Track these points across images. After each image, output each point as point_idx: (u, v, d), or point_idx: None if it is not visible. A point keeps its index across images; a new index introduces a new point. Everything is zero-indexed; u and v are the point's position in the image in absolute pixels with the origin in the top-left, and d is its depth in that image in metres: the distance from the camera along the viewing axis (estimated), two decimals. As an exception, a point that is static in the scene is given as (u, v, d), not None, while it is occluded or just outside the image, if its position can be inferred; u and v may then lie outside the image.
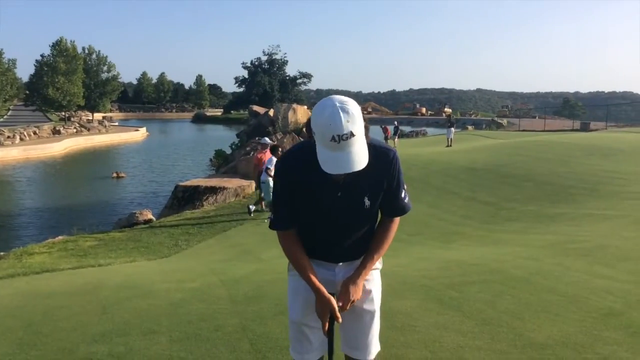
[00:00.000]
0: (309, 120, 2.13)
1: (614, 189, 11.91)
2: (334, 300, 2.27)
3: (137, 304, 5.34)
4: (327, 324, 2.29)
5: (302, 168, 2.23)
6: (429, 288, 5.60)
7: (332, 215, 2.30)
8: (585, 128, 42.00)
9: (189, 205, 16.13)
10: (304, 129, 2.33)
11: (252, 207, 13.45)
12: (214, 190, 16.77)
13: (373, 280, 2.48)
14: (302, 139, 2.57)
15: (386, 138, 31.97)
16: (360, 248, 2.40)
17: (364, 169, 2.08)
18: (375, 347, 2.50)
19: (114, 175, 32.56)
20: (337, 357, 2.47)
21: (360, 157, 2.05)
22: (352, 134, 1.99)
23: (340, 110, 1.99)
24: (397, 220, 2.42)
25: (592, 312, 4.58)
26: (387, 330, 4.25)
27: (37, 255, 10.36)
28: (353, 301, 2.31)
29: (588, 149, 18.51)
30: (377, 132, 39.26)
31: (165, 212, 16.65)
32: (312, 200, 2.27)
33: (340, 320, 2.29)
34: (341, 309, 2.28)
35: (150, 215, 14.81)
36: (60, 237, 12.77)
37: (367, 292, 2.45)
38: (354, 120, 2.00)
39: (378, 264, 2.49)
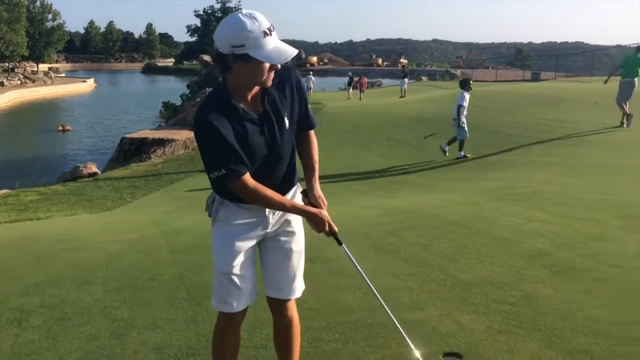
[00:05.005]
0: (218, 52, 2.09)
1: (556, 137, 12.26)
2: (325, 213, 2.40)
3: (73, 255, 5.24)
4: (329, 230, 2.42)
5: (225, 124, 2.14)
6: (368, 235, 5.69)
7: (264, 149, 2.26)
8: (535, 78, 42.75)
9: (135, 158, 15.80)
10: (214, 61, 2.27)
11: (446, 147, 12.12)
12: (162, 142, 16.45)
13: (299, 220, 2.49)
14: None
15: (362, 90, 31.22)
16: (291, 177, 2.46)
17: (276, 89, 2.23)
18: (301, 286, 2.55)
19: (60, 128, 31.51)
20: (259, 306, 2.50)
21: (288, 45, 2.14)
22: (273, 26, 2.08)
23: (252, 13, 2.06)
24: (313, 134, 2.51)
25: (521, 253, 4.75)
26: (322, 275, 4.33)
27: (-25, 210, 10.01)
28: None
29: (534, 98, 18.87)
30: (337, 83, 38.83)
31: (111, 165, 16.28)
32: (247, 145, 2.21)
33: (336, 228, 2.44)
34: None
35: (94, 169, 14.45)
36: (0, 192, 12.34)
37: (292, 233, 2.48)
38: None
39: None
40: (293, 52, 2.10)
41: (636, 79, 12.42)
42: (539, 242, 5.03)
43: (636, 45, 13.20)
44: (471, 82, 12.32)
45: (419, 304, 3.74)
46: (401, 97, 28.64)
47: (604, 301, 3.60)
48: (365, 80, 32.35)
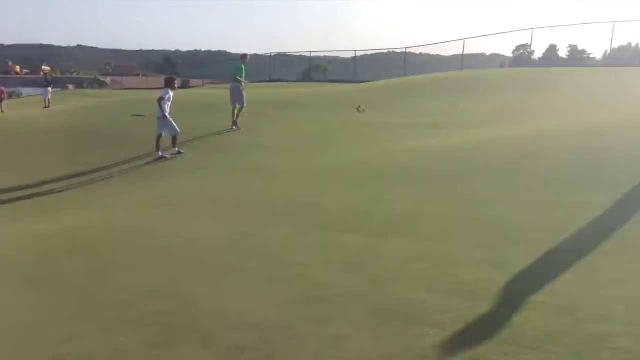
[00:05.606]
0: None
1: (210, 142, 13.01)
2: None
3: None
4: None
5: None
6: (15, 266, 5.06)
7: None
8: (185, 85, 44.53)
9: None
10: None
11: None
12: None
13: None
14: None
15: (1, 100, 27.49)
16: None
17: None
18: None
19: None
20: None
21: None
22: None
23: None
24: None
25: (180, 259, 4.86)
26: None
27: None
28: None
29: (185, 105, 19.49)
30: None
31: None
32: None
33: None
34: None
35: None
36: None
37: None
38: None
39: None
40: None
41: (240, 85, 14.36)
42: (197, 245, 5.23)
43: (240, 54, 15.55)
44: (176, 81, 13.18)
45: (72, 335, 3.49)
46: (46, 107, 26.32)
47: (249, 293, 3.88)
48: (4, 90, 28.91)
